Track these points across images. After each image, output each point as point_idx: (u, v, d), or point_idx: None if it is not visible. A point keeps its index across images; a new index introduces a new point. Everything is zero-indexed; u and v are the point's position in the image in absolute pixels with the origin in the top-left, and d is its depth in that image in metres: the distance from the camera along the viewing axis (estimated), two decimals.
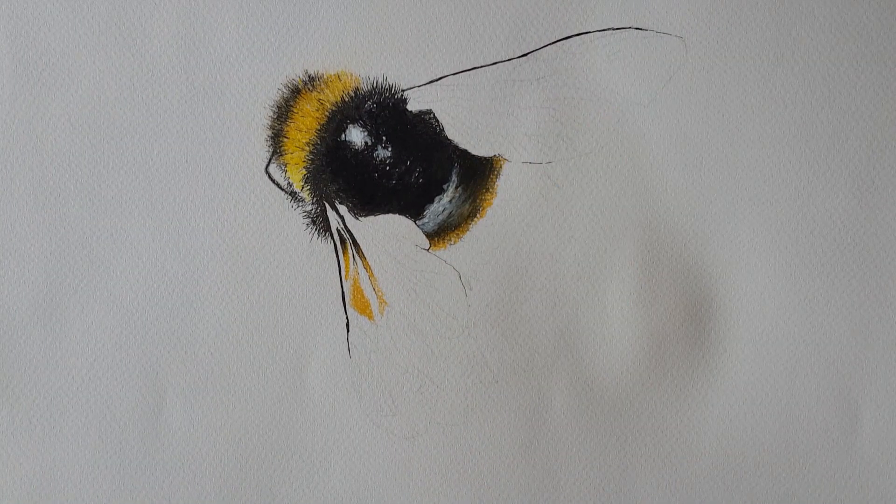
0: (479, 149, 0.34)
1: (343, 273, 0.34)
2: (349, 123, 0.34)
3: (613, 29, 0.34)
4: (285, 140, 0.34)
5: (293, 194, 0.34)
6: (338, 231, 0.34)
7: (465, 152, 0.34)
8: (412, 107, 0.34)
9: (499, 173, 0.34)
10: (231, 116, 0.34)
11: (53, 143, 0.33)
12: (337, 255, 0.34)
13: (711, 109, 0.34)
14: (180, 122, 0.34)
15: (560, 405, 0.35)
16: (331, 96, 0.34)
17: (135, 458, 0.34)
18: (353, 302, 0.34)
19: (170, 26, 0.33)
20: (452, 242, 0.34)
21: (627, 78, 0.34)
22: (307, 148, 0.34)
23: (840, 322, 0.34)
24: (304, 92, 0.34)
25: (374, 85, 0.34)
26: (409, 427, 0.34)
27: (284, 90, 0.34)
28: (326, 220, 0.34)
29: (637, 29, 0.34)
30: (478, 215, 0.34)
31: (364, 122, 0.34)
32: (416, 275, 0.34)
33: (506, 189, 0.34)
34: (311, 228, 0.34)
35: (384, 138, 0.34)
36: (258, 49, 0.33)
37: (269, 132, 0.34)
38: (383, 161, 0.34)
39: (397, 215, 0.34)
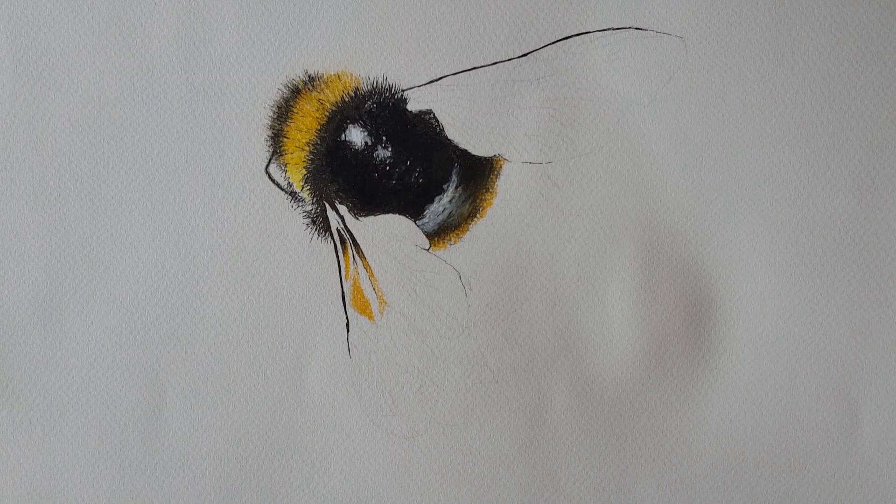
0: (479, 149, 0.34)
1: (343, 273, 0.34)
2: (349, 123, 0.34)
3: (613, 29, 0.34)
4: (285, 140, 0.34)
5: (293, 194, 0.34)
6: (338, 231, 0.34)
7: (465, 152, 0.34)
8: (412, 107, 0.34)
9: (499, 173, 0.34)
10: (231, 116, 0.34)
11: (53, 143, 0.34)
12: (337, 255, 0.34)
13: (711, 109, 0.34)
14: (180, 122, 0.34)
15: (560, 405, 0.35)
16: (331, 96, 0.34)
17: (135, 458, 0.34)
18: (353, 302, 0.34)
19: (170, 26, 0.33)
20: (452, 242, 0.34)
21: (627, 78, 0.34)
22: (307, 148, 0.34)
23: (840, 322, 0.34)
24: (304, 92, 0.34)
25: (374, 85, 0.34)
26: (409, 427, 0.34)
27: (284, 90, 0.34)
28: (326, 220, 0.34)
29: (637, 29, 0.34)
30: (478, 215, 0.34)
31: (364, 122, 0.34)
32: (416, 275, 0.34)
33: (506, 189, 0.34)
34: (311, 228, 0.34)
35: (384, 138, 0.34)
36: (258, 49, 0.34)
37: (269, 132, 0.34)
38: (383, 161, 0.34)
39: (397, 215, 0.34)
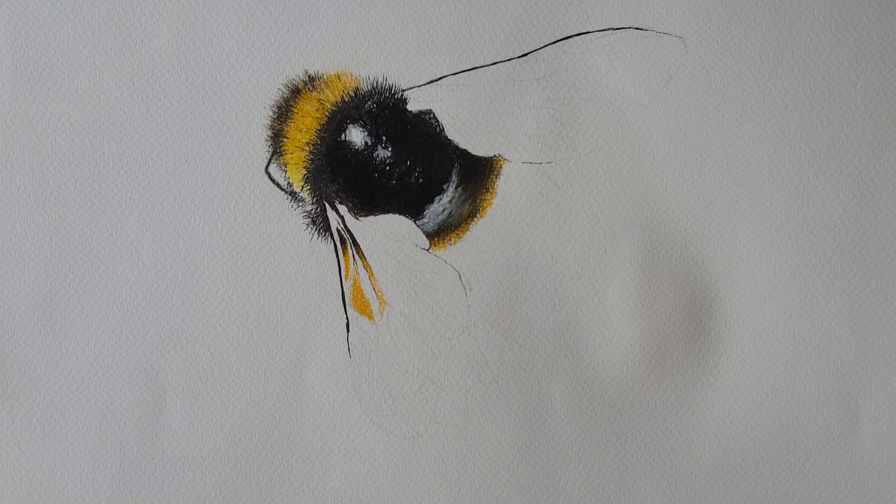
0: (479, 149, 0.34)
1: (343, 273, 0.34)
2: (349, 123, 0.34)
3: (613, 29, 0.34)
4: (285, 140, 0.34)
5: (293, 194, 0.34)
6: (338, 231, 0.34)
7: (465, 152, 0.34)
8: (412, 107, 0.34)
9: (499, 173, 0.34)
10: (231, 116, 0.34)
11: (53, 143, 0.34)
12: (337, 255, 0.34)
13: (711, 109, 0.34)
14: (180, 122, 0.34)
15: (560, 405, 0.35)
16: (331, 96, 0.34)
17: (135, 458, 0.34)
18: (353, 302, 0.34)
19: (170, 26, 0.33)
20: (452, 242, 0.34)
21: (627, 78, 0.34)
22: (307, 148, 0.34)
23: (840, 322, 0.34)
24: (304, 92, 0.34)
25: (374, 85, 0.34)
26: (409, 427, 0.34)
27: (284, 90, 0.34)
28: (326, 220, 0.34)
29: (637, 29, 0.34)
30: (478, 215, 0.34)
31: (364, 122, 0.34)
32: (416, 275, 0.34)
33: (506, 189, 0.34)
34: (311, 228, 0.34)
35: (384, 138, 0.34)
36: (258, 49, 0.34)
37: (269, 132, 0.34)
38: (383, 161, 0.34)
39: (397, 215, 0.34)
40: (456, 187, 0.34)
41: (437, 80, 0.34)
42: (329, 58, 0.34)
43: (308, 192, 0.34)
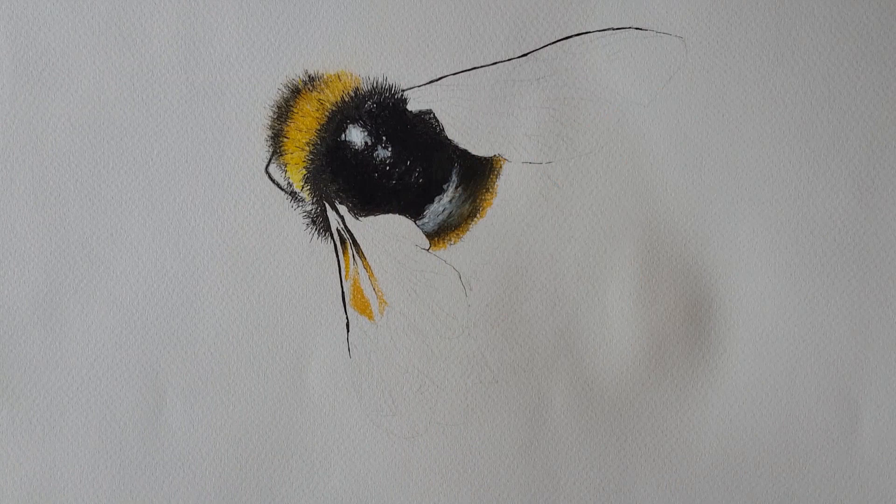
0: (479, 149, 0.34)
1: (343, 273, 0.34)
2: (349, 123, 0.34)
3: (613, 29, 0.34)
4: (285, 140, 0.34)
5: (293, 194, 0.34)
6: (338, 231, 0.34)
7: (465, 152, 0.34)
8: (412, 107, 0.34)
9: (499, 173, 0.34)
10: (231, 116, 0.34)
11: (53, 143, 0.34)
12: (337, 255, 0.34)
13: (711, 109, 0.34)
14: (180, 122, 0.34)
15: (560, 405, 0.35)
16: (331, 96, 0.34)
17: (135, 458, 0.34)
18: (353, 302, 0.34)
19: (170, 26, 0.33)
20: (452, 242, 0.34)
21: (627, 78, 0.34)
22: (307, 148, 0.34)
23: (840, 322, 0.34)
24: (304, 92, 0.34)
25: (374, 85, 0.34)
26: (409, 427, 0.34)
27: (284, 90, 0.34)
28: (326, 220, 0.34)
29: (637, 29, 0.34)
30: (478, 215, 0.34)
31: (364, 122, 0.34)
32: (416, 275, 0.34)
33: (506, 189, 0.34)
34: (311, 228, 0.34)
35: (384, 138, 0.34)
36: (258, 49, 0.34)
37: (269, 132, 0.34)
38: (383, 161, 0.34)
39: (397, 215, 0.34)
40: (456, 187, 0.34)
41: (437, 80, 0.34)
42: (329, 58, 0.34)
43: (308, 192, 0.34)
